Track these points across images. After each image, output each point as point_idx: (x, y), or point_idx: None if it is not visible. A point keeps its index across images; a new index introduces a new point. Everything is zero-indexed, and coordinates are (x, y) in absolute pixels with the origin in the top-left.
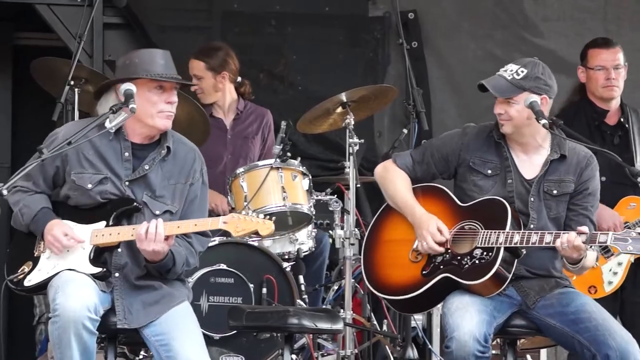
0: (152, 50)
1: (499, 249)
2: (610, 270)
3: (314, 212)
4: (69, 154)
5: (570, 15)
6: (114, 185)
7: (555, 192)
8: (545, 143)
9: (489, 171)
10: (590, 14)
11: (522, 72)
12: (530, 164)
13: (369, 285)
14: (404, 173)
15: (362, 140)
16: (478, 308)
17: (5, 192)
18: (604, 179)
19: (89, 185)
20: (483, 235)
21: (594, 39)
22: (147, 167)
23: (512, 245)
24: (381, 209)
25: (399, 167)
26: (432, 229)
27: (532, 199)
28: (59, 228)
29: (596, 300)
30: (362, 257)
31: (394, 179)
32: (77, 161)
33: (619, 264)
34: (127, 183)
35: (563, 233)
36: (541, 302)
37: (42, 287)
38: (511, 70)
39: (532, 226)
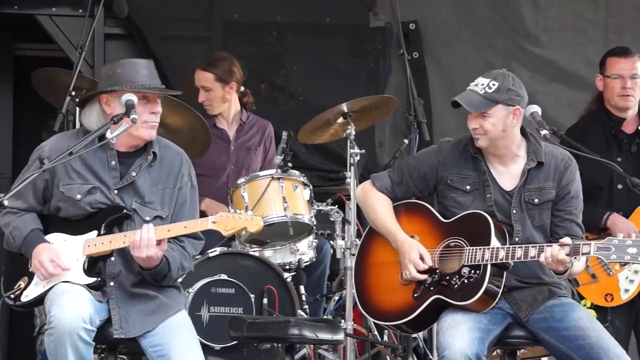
0: (135, 60)
1: (486, 266)
2: (627, 278)
3: (315, 223)
4: (57, 167)
5: (571, 25)
6: (103, 194)
7: (536, 200)
8: (520, 151)
9: (468, 187)
10: (591, 24)
11: (494, 85)
12: (508, 175)
13: (364, 312)
14: (384, 196)
15: (363, 151)
16: (470, 325)
17: (6, 202)
18: (620, 186)
19: (78, 196)
20: (469, 252)
21: (613, 47)
22: (134, 173)
23: (498, 261)
24: (366, 231)
25: (377, 190)
26: (413, 257)
27: (514, 211)
28: (46, 254)
29: (612, 309)
30: (354, 282)
31: (373, 203)
32: (64, 173)
33: (636, 271)
34: (115, 191)
35: (547, 246)
36: (534, 316)
37: (39, 302)
38: (482, 85)
39: (517, 239)
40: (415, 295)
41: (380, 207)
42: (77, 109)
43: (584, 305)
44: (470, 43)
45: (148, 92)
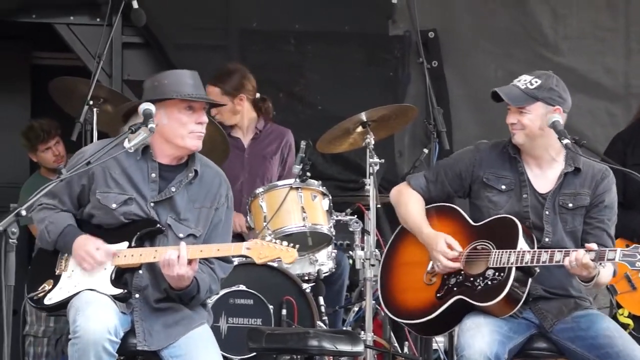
0: (181, 71)
1: (510, 269)
2: None
3: (334, 233)
4: (96, 172)
5: (591, 33)
6: (139, 206)
7: (570, 205)
8: (559, 157)
9: (503, 186)
10: (611, 32)
11: (536, 82)
12: (544, 178)
13: (386, 310)
14: (418, 194)
15: (383, 160)
16: (491, 328)
17: (24, 212)
18: None
19: (114, 205)
20: (495, 255)
21: None
22: (173, 189)
23: (524, 264)
24: (396, 231)
25: (412, 189)
26: (441, 247)
27: (546, 212)
28: (91, 243)
29: None
30: (379, 280)
31: (406, 200)
32: (103, 180)
33: None
34: (152, 204)
35: (572, 251)
36: (559, 326)
37: (62, 306)
38: (525, 80)
39: (547, 239)
40: (438, 294)
41: (411, 204)
42: (95, 117)
43: (622, 314)
44: (489, 51)
45: (196, 100)
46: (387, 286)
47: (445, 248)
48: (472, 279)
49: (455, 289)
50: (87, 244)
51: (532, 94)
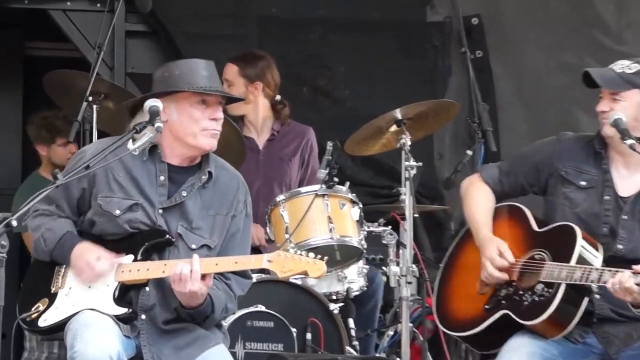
0: (194, 60)
1: (560, 285)
2: None
3: (365, 246)
4: (97, 174)
5: None
6: (146, 213)
7: None
8: None
9: (583, 183)
10: None
11: (635, 67)
12: (630, 180)
13: (436, 320)
14: (488, 188)
15: (420, 164)
16: (533, 350)
17: (14, 223)
18: None
19: (117, 212)
20: (547, 268)
21: None
22: (184, 193)
23: (573, 282)
24: (463, 231)
25: (483, 181)
26: (490, 253)
27: (624, 216)
28: (91, 252)
29: None
30: (436, 282)
31: (473, 194)
32: (105, 183)
33: None
34: (160, 211)
35: (619, 271)
36: (627, 352)
37: (58, 329)
38: (622, 65)
39: (620, 247)
40: (486, 306)
41: (477, 198)
42: (95, 115)
43: None
44: (540, 40)
45: (210, 94)
46: (443, 291)
47: (494, 254)
48: (521, 292)
49: (503, 302)
50: (86, 253)
51: (629, 79)
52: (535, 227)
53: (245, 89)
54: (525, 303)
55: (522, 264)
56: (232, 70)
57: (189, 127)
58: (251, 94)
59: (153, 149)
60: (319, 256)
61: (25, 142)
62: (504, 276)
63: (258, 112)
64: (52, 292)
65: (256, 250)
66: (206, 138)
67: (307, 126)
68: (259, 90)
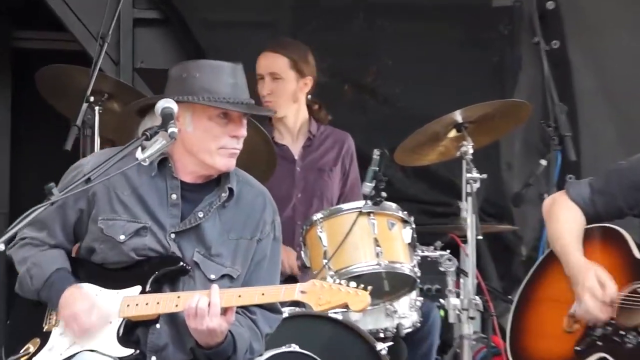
0: (219, 63)
1: None
2: None
3: (418, 274)
4: (97, 192)
5: None
6: (155, 237)
7: None
8: None
9: None
10: None
11: None
12: None
13: (509, 356)
14: (577, 208)
15: (485, 176)
16: None
17: (2, 246)
18: None
19: (122, 237)
20: None
21: None
22: (201, 214)
23: None
24: (544, 254)
25: (571, 200)
26: (590, 282)
27: None
28: (82, 301)
29: None
30: (510, 318)
31: (560, 214)
32: (107, 203)
33: None
34: (172, 235)
35: None
36: None
37: None
38: None
39: None
40: (577, 348)
41: (565, 219)
42: (97, 119)
43: None
44: (630, 27)
45: (233, 110)
46: (518, 326)
47: (595, 284)
48: (622, 332)
49: (599, 343)
50: (76, 302)
51: None
52: (637, 254)
53: (295, 85)
54: (629, 345)
55: (622, 298)
56: (281, 62)
57: (204, 143)
58: (300, 92)
59: (163, 163)
60: (362, 285)
61: (15, 154)
62: (607, 313)
63: (299, 114)
64: (44, 330)
65: (289, 279)
66: (223, 158)
67: (346, 132)
68: (307, 88)
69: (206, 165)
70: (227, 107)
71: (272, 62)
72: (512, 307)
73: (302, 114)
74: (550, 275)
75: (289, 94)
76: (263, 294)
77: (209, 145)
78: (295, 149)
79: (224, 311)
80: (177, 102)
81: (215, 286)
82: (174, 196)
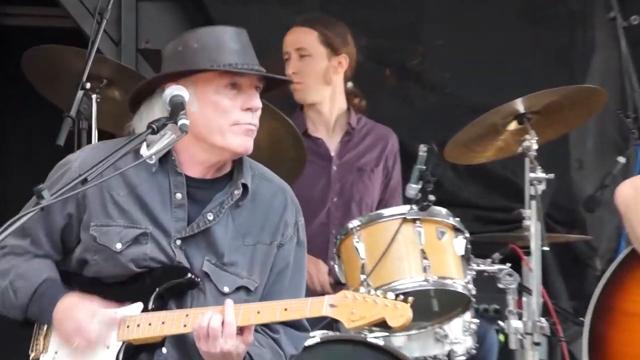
0: (219, 28)
1: None
2: None
3: (473, 292)
4: (88, 194)
5: None
6: (158, 245)
7: None
8: None
9: None
10: None
11: None
12: None
13: None
14: None
15: (552, 176)
16: None
17: None
18: None
19: (118, 245)
20: None
21: None
22: (210, 216)
23: None
24: (621, 257)
25: None
26: None
27: None
28: (82, 309)
29: None
30: (586, 338)
31: None
32: (100, 205)
33: None
34: (178, 242)
35: None
36: None
37: None
38: None
39: None
40: None
41: None
42: (94, 109)
43: None
44: None
45: (243, 72)
46: (599, 352)
47: None
48: None
49: None
50: (75, 311)
51: None
52: None
53: (327, 62)
54: None
55: None
56: (309, 37)
57: (213, 121)
58: (334, 72)
59: (165, 157)
60: (402, 297)
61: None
62: None
63: (335, 101)
64: (31, 357)
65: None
66: (238, 136)
67: (388, 128)
68: (342, 68)
69: (218, 149)
70: (236, 71)
71: (299, 37)
72: (586, 326)
73: (339, 101)
74: (634, 282)
75: (319, 73)
76: (286, 309)
77: (219, 122)
78: (332, 144)
79: (241, 330)
80: (174, 76)
81: (229, 301)
82: (178, 195)
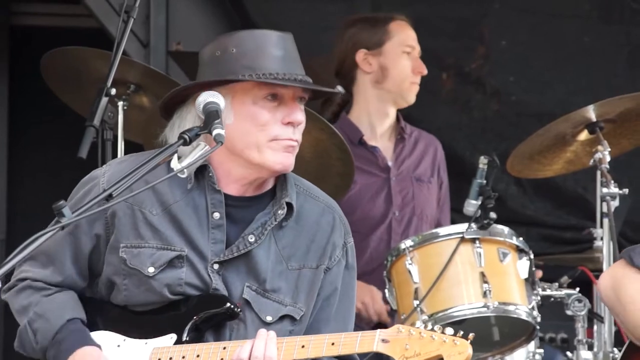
0: (262, 32)
1: None
2: None
3: (538, 319)
4: (118, 212)
5: None
6: (194, 269)
7: None
8: None
9: None
10: None
11: None
12: None
13: None
14: None
15: (626, 191)
16: None
17: None
18: None
19: (151, 269)
20: None
21: None
22: (252, 238)
23: None
24: (623, 349)
25: (638, 270)
26: None
27: None
28: None
29: None
30: None
31: (627, 290)
32: (131, 225)
33: None
34: (215, 266)
35: None
36: None
37: None
38: None
39: None
40: None
41: (637, 297)
42: (121, 118)
43: None
44: None
45: (286, 84)
46: None
47: None
48: None
49: None
50: None
51: None
52: None
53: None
54: None
55: None
56: (413, 34)
57: (250, 135)
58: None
59: (201, 172)
60: (461, 332)
61: (13, 162)
62: None
63: (386, 103)
64: None
65: (376, 327)
66: (277, 153)
67: (432, 135)
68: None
69: (255, 166)
70: (277, 83)
71: (409, 34)
72: None
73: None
74: None
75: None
76: (333, 344)
77: (256, 137)
78: (388, 153)
79: None
80: (210, 85)
81: (272, 333)
82: (216, 215)
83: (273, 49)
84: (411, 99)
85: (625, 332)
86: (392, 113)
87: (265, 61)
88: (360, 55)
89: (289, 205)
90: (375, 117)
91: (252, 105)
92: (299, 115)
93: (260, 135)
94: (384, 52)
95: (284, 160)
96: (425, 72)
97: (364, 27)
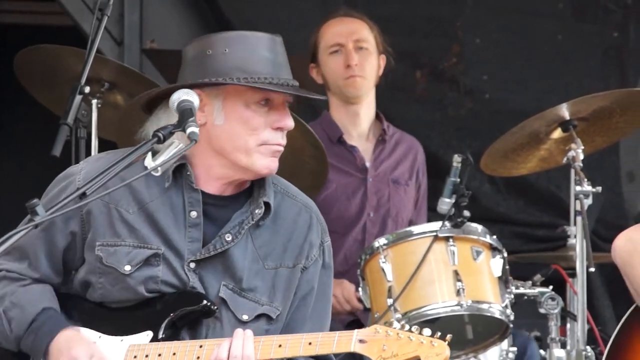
0: (254, 35)
1: None
2: None
3: (512, 318)
4: (94, 210)
5: None
6: (170, 267)
7: None
8: None
9: None
10: None
11: None
12: None
13: None
14: None
15: (599, 189)
16: None
17: None
18: None
19: (127, 267)
20: None
21: None
22: (229, 237)
23: None
24: (628, 313)
25: None
26: None
27: None
28: (82, 347)
29: None
30: None
31: None
32: (107, 223)
33: None
34: (192, 265)
35: None
36: None
37: None
38: None
39: None
40: None
41: None
42: (95, 116)
43: None
44: None
45: (276, 91)
46: None
47: None
48: None
49: None
50: (73, 348)
51: None
52: None
53: (377, 61)
54: None
55: None
56: (364, 29)
57: (240, 138)
58: (380, 70)
59: (179, 170)
60: (439, 333)
61: None
62: None
63: (371, 106)
64: None
65: (353, 324)
66: (264, 157)
67: (413, 137)
68: (381, 69)
69: (241, 168)
70: (272, 90)
71: (355, 28)
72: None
73: (373, 105)
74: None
75: (374, 70)
76: (310, 343)
77: (246, 141)
78: (367, 153)
79: None
80: (203, 86)
81: (248, 332)
82: (193, 213)
83: (265, 51)
84: (352, 92)
85: (632, 294)
86: (363, 112)
87: (258, 64)
88: (312, 71)
89: (267, 205)
90: (345, 118)
91: (245, 108)
92: (289, 121)
93: (250, 139)
94: (320, 61)
95: (270, 164)
96: (353, 62)
97: (311, 38)
